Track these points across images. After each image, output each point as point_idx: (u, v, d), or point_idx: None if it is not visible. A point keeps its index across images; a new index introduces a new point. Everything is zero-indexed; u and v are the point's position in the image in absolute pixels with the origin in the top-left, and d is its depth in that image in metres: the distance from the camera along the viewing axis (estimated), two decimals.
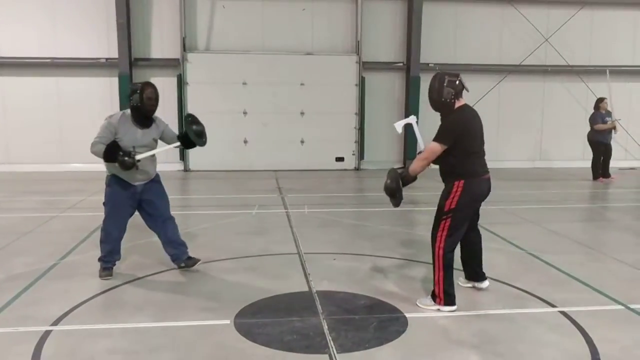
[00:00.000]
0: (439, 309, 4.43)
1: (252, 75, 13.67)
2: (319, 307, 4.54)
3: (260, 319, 4.31)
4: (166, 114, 13.82)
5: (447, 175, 4.51)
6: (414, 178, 4.64)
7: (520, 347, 3.84)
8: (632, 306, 4.60)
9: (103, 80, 13.79)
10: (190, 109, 13.66)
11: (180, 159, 13.91)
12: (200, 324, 4.22)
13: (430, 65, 14.60)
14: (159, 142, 5.38)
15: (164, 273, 5.52)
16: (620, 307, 4.61)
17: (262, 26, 14.09)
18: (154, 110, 5.18)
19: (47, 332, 4.03)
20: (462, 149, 4.38)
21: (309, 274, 5.42)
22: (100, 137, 5.11)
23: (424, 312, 4.47)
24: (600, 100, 12.35)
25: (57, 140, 13.76)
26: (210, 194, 10.78)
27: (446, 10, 14.65)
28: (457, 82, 4.38)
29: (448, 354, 3.74)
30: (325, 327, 4.13)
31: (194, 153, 13.67)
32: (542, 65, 14.95)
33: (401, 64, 14.73)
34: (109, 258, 5.32)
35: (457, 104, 4.41)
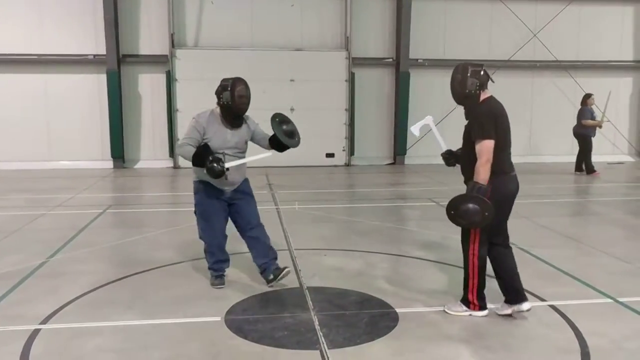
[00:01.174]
0: (471, 315, 4.25)
1: (242, 72, 13.26)
2: (310, 303, 4.54)
3: (251, 315, 4.30)
4: (155, 110, 13.94)
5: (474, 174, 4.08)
6: (485, 186, 4.04)
7: (510, 341, 3.86)
8: (620, 299, 4.63)
9: (91, 77, 13.70)
10: (180, 105, 13.61)
11: (170, 156, 13.85)
12: (190, 321, 4.20)
13: (419, 61, 14.63)
14: (249, 145, 5.00)
15: (154, 270, 5.49)
16: (609, 300, 4.64)
17: (251, 22, 14.03)
18: (245, 109, 4.78)
19: (36, 331, 4.00)
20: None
21: (299, 270, 5.41)
22: (189, 137, 4.66)
23: (415, 307, 4.48)
24: (587, 96, 12.47)
25: (45, 138, 13.65)
26: None
27: (435, 6, 14.67)
28: (482, 72, 4.12)
29: (439, 349, 3.75)
30: (316, 322, 4.13)
31: None
32: (531, 60, 15.02)
33: (391, 60, 14.74)
34: (218, 266, 4.98)
35: (483, 96, 4.17)
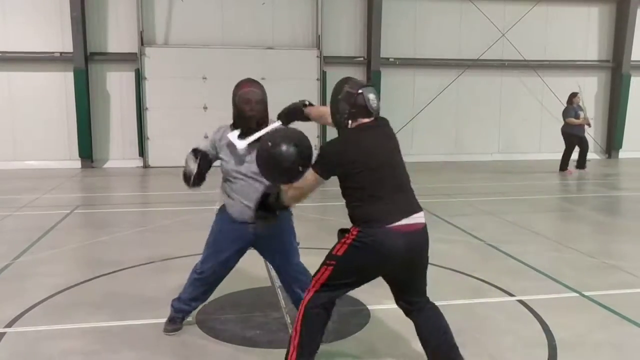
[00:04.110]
0: None
1: (212, 70, 13.50)
2: (282, 301, 4.53)
3: (222, 315, 4.27)
4: (124, 109, 13.73)
5: None
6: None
7: (480, 336, 3.91)
8: (586, 293, 4.74)
9: (57, 75, 13.43)
10: (149, 104, 13.44)
11: (140, 155, 13.67)
12: (161, 322, 4.15)
13: (390, 59, 14.73)
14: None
15: (123, 271, 5.41)
16: (575, 294, 4.75)
17: (222, 20, 13.94)
18: (254, 117, 3.69)
19: (1, 334, 3.91)
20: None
21: (271, 269, 5.39)
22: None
23: (386, 304, 4.50)
24: (573, 95, 12.53)
25: (9, 137, 13.33)
26: (170, 190, 10.61)
27: (406, 5, 14.79)
28: (358, 95, 3.12)
29: (410, 345, 3.78)
30: (289, 321, 4.12)
31: (153, 149, 13.46)
32: (499, 59, 15.25)
33: (362, 59, 14.81)
34: (188, 308, 3.97)
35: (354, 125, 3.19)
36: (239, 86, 3.77)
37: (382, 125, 3.26)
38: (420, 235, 3.21)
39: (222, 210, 3.84)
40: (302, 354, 3.11)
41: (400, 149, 3.29)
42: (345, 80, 3.22)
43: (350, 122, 3.16)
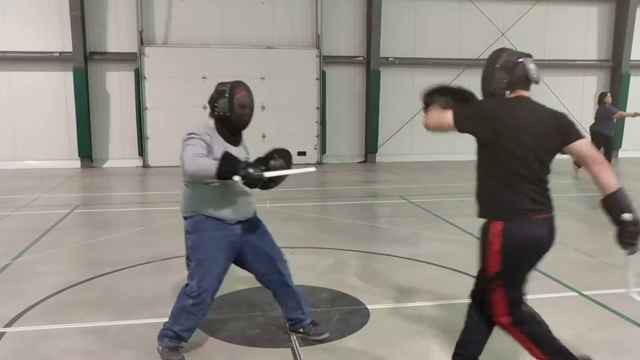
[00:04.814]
0: None
1: (212, 70, 13.47)
2: None
3: (221, 314, 4.27)
4: (123, 109, 13.73)
5: None
6: None
7: None
8: (585, 293, 4.74)
9: (57, 74, 13.43)
10: (149, 104, 13.44)
11: (139, 155, 13.66)
12: (161, 322, 4.14)
13: (390, 59, 14.73)
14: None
15: (123, 271, 5.41)
16: (574, 293, 4.75)
17: (221, 20, 13.94)
18: (248, 122, 3.65)
19: (0, 334, 3.91)
20: None
21: None
22: (197, 150, 3.39)
23: (386, 303, 4.50)
24: (604, 95, 12.41)
25: (9, 137, 13.33)
26: (170, 189, 10.60)
27: (405, 5, 14.79)
28: (518, 65, 2.90)
29: (409, 344, 3.79)
30: None
31: (152, 148, 13.46)
32: None
33: (361, 58, 14.81)
34: (188, 335, 3.60)
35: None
36: (234, 89, 3.60)
37: (543, 108, 2.94)
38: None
39: (201, 221, 3.53)
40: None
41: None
42: (502, 50, 3.02)
43: (508, 92, 2.92)
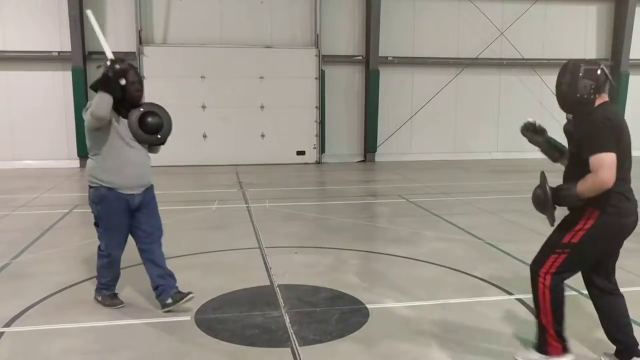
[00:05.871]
0: None
1: (211, 69, 13.51)
2: (281, 300, 4.53)
3: (221, 314, 4.27)
4: None
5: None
6: (577, 201, 3.34)
7: (478, 335, 3.91)
8: (584, 292, 4.73)
9: (56, 74, 13.43)
10: None
11: None
12: (160, 321, 4.16)
13: (389, 58, 14.73)
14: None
15: (122, 270, 5.39)
16: (573, 293, 4.75)
17: (220, 19, 13.93)
18: (140, 96, 4.32)
19: (0, 334, 3.91)
20: None
21: (270, 268, 5.40)
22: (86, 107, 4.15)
23: (385, 303, 4.51)
24: None
25: (8, 137, 13.32)
26: (169, 189, 10.61)
27: (404, 4, 14.79)
28: (599, 71, 3.21)
29: (409, 343, 3.79)
30: (287, 320, 4.12)
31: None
32: (498, 58, 15.26)
33: (360, 58, 14.80)
34: (114, 283, 4.50)
35: (599, 101, 3.23)
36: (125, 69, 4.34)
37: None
38: None
39: (104, 193, 4.15)
40: (560, 324, 3.43)
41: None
42: (578, 60, 3.33)
43: (596, 97, 3.23)
